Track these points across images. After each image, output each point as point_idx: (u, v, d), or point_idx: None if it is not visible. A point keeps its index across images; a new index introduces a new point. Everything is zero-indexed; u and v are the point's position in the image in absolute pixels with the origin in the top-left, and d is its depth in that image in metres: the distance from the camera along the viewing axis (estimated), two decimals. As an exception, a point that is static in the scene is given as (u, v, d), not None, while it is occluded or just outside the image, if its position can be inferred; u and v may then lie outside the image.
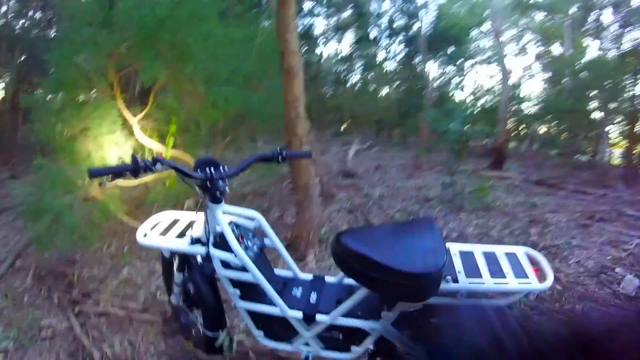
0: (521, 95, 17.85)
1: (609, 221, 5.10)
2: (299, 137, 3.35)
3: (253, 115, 4.06)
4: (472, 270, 1.55)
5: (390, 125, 20.12)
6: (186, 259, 1.88)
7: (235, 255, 1.65)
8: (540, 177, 8.47)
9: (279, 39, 3.28)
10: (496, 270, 1.54)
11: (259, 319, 1.81)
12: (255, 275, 1.65)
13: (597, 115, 12.10)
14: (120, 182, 3.46)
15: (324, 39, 20.47)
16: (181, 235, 1.84)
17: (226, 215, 1.76)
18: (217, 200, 1.67)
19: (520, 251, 1.65)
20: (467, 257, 1.64)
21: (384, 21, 19.50)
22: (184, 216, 2.01)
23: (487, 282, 1.50)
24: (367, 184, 6.87)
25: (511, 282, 1.49)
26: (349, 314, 1.65)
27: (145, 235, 1.84)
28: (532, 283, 1.47)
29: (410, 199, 5.93)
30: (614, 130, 13.38)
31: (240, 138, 4.96)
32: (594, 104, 11.88)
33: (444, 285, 1.44)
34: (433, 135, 10.39)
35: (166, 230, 1.87)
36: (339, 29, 20.80)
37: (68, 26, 3.42)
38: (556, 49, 17.85)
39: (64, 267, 3.07)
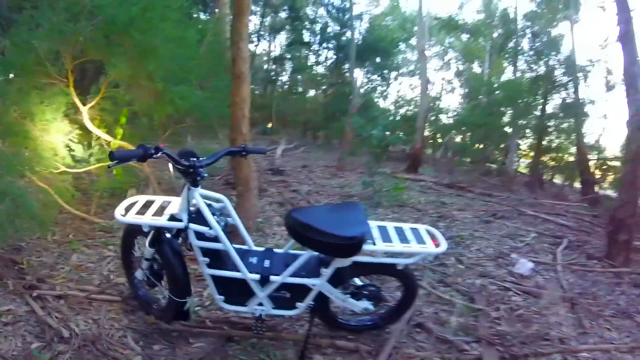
0: (440, 107, 19.50)
1: (509, 219, 6.01)
2: (243, 135, 3.69)
3: (197, 112, 4.29)
4: (386, 237, 2.16)
5: (316, 127, 20.73)
6: (158, 236, 2.19)
7: (211, 228, 2.05)
8: (452, 181, 9.45)
9: (232, 46, 3.60)
10: (403, 239, 2.17)
11: (221, 285, 2.20)
12: (225, 243, 2.08)
13: (508, 129, 13.62)
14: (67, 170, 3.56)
15: (257, 37, 20.51)
16: (157, 214, 2.17)
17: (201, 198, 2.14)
18: (196, 184, 2.06)
19: (422, 228, 2.32)
20: (383, 229, 2.26)
21: (318, 27, 20.07)
22: (157, 199, 2.33)
23: (396, 245, 2.11)
24: (295, 180, 7.34)
25: (414, 247, 2.11)
26: (295, 274, 2.15)
27: (123, 214, 2.14)
28: (430, 247, 2.11)
29: (334, 195, 6.53)
30: (524, 143, 15.27)
31: (178, 133, 5.13)
32: (506, 119, 13.43)
33: (366, 247, 2.03)
34: (356, 139, 11.11)
35: (141, 211, 2.18)
36: (273, 29, 21.01)
37: (28, 9, 3.41)
38: (476, 68, 19.80)
39: (10, 254, 3.05)
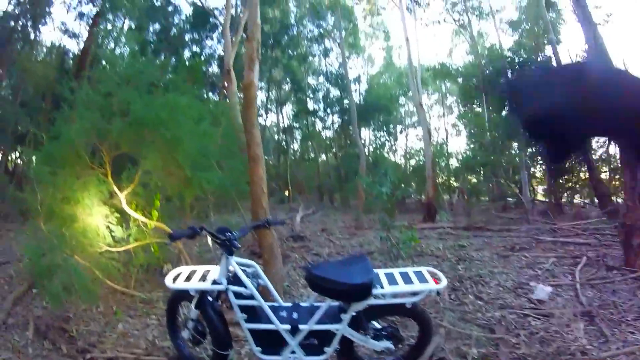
0: (449, 151, 19.79)
1: (528, 250, 6.10)
2: (263, 208, 4.14)
3: (219, 190, 4.79)
4: (392, 281, 2.49)
5: (331, 189, 21.26)
6: (202, 298, 2.58)
7: (246, 288, 2.46)
8: (469, 223, 9.54)
9: (245, 133, 4.16)
10: (408, 280, 2.49)
11: (258, 337, 2.55)
12: (259, 300, 2.49)
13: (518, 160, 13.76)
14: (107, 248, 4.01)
15: (265, 111, 21.75)
16: (201, 280, 2.58)
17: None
18: (231, 253, 2.53)
19: (424, 269, 2.62)
20: (389, 275, 2.59)
21: (320, 94, 21.23)
22: (198, 268, 2.74)
23: (401, 286, 2.44)
24: (315, 244, 7.61)
25: (417, 285, 2.43)
26: (320, 322, 2.49)
27: (173, 281, 2.58)
28: (431, 285, 2.42)
29: (354, 254, 6.70)
30: (538, 170, 15.38)
31: (202, 211, 5.63)
32: (513, 152, 13.68)
33: (375, 291, 2.38)
34: (370, 197, 11.43)
35: (187, 279, 2.59)
36: (279, 102, 22.30)
37: (65, 109, 4.07)
38: (477, 108, 20.32)
39: (61, 323, 3.46)
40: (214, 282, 2.52)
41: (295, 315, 2.59)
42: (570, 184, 14.22)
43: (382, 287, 2.43)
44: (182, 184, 4.20)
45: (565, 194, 14.50)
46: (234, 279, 2.54)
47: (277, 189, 21.78)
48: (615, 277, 4.33)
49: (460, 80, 18.76)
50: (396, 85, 22.23)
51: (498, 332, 3.29)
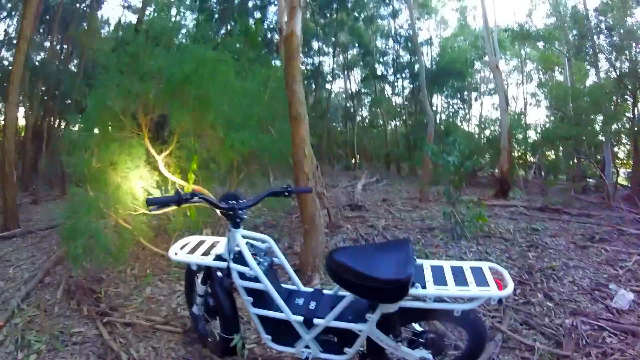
0: (527, 123, 18.09)
1: (609, 241, 5.30)
2: (305, 173, 3.78)
3: (264, 154, 4.50)
4: (439, 280, 1.89)
5: (399, 158, 20.50)
6: (209, 274, 2.30)
7: (250, 268, 2.07)
8: (545, 204, 8.65)
9: (287, 90, 3.76)
10: (461, 280, 1.87)
11: (268, 324, 2.18)
12: (265, 283, 2.07)
13: (601, 137, 12.18)
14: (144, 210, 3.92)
15: (332, 76, 21.27)
16: (206, 253, 2.30)
17: (244, 238, 2.19)
18: (237, 225, 2.13)
19: (485, 266, 1.99)
20: (437, 270, 1.98)
21: (389, 58, 20.28)
22: (208, 239, 2.46)
23: (451, 289, 1.82)
24: (373, 215, 7.17)
25: (473, 290, 1.80)
26: (340, 318, 2.00)
27: (176, 253, 2.31)
28: (492, 290, 1.79)
29: (413, 229, 6.18)
30: (622, 151, 13.58)
31: (252, 174, 5.39)
32: (596, 127, 12.07)
33: (414, 291, 1.79)
34: (437, 167, 10.66)
35: (193, 250, 2.34)
36: (346, 67, 21.66)
37: (103, 73, 4.01)
38: (558, 76, 18.33)
39: (91, 284, 3.49)
40: (218, 258, 2.19)
41: (312, 305, 2.15)
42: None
43: (423, 286, 1.84)
44: (218, 146, 3.96)
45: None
46: (240, 256, 2.15)
47: (343, 156, 21.52)
48: None
49: (540, 44, 16.74)
50: (471, 48, 20.40)
51: (566, 347, 2.65)
